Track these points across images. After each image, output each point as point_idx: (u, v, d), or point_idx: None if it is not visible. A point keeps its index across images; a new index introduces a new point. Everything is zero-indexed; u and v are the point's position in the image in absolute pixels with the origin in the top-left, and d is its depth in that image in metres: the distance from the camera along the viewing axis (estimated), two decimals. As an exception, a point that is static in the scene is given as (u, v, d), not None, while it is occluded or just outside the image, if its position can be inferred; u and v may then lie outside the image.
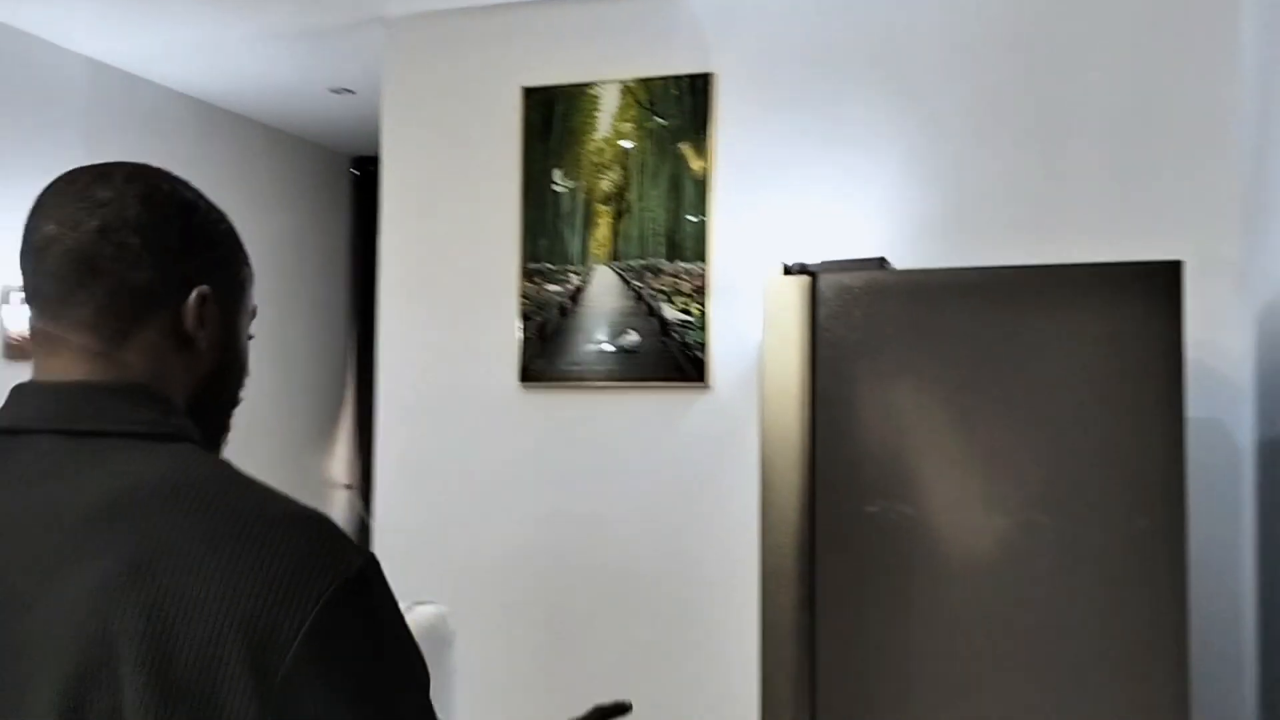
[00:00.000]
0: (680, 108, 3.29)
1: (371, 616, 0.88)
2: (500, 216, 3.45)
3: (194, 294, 0.98)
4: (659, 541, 3.23)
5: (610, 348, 3.30)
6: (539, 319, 3.37)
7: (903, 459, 1.93)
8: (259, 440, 4.53)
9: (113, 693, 0.82)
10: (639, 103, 3.33)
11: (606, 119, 3.36)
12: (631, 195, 3.33)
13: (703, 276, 3.22)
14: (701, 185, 3.24)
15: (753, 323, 3.17)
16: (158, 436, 0.93)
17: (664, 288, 3.27)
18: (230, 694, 0.81)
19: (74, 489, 0.89)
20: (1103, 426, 1.83)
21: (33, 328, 0.98)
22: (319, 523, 0.89)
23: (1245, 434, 2.48)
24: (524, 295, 3.39)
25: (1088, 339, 1.85)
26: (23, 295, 0.98)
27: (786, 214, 3.15)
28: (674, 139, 3.28)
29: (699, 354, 3.21)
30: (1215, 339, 2.57)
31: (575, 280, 3.35)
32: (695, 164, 3.24)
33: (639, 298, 3.28)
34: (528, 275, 3.39)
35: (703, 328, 3.21)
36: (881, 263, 1.98)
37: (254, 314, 1.08)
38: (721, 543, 3.12)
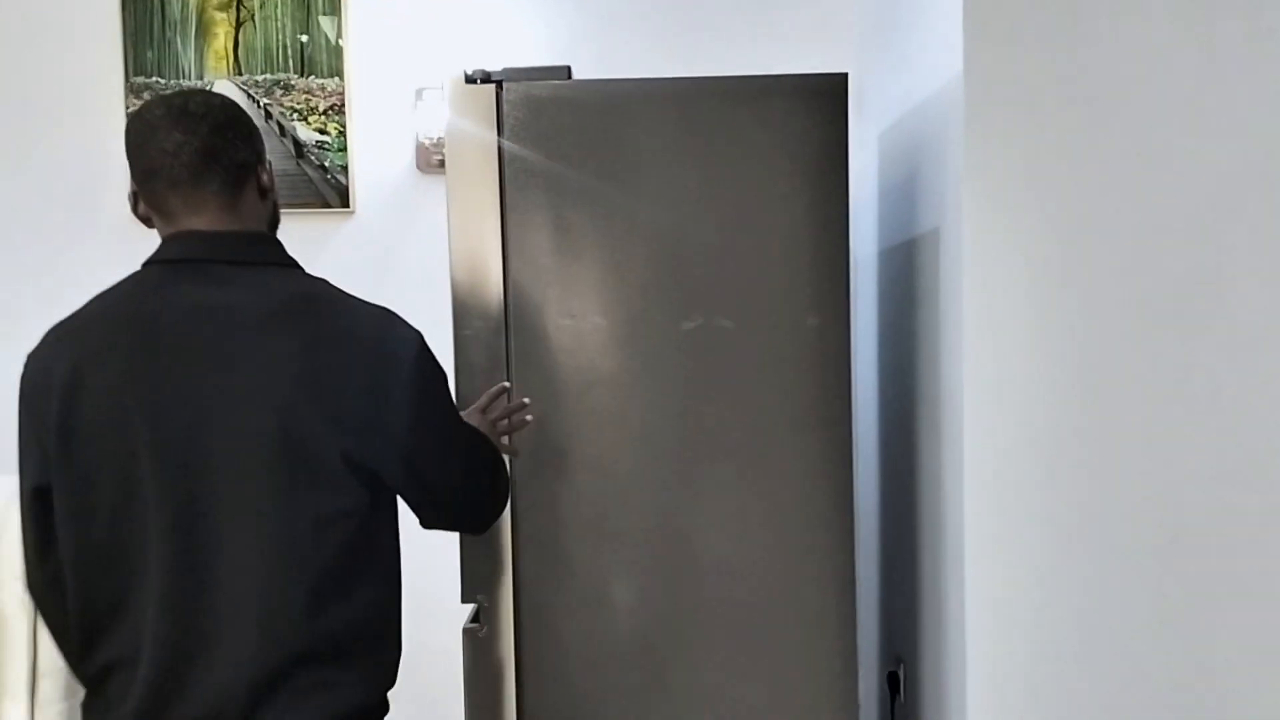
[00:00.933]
0: (303, -95, 3.00)
1: (434, 362, 1.54)
2: (94, 23, 3.02)
3: (268, 161, 1.60)
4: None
5: (238, 171, 3.03)
6: (151, 140, 3.02)
7: (593, 270, 1.94)
8: None
9: (305, 417, 1.42)
10: (255, -104, 3.00)
11: (216, -87, 3.00)
12: (252, 1, 3.02)
13: (341, 93, 3.01)
14: (333, -7, 3.00)
15: (399, 142, 3.03)
16: (284, 264, 1.56)
17: (297, 105, 3.03)
18: (378, 411, 1.46)
19: (247, 296, 1.47)
20: (777, 234, 1.93)
21: (169, 201, 1.50)
22: (395, 313, 1.55)
23: (868, 245, 2.73)
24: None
25: (762, 148, 1.93)
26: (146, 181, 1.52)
27: (427, 26, 3.00)
28: (297, -60, 3.00)
29: (340, 177, 3.03)
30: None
31: (192, 96, 3.02)
32: (321, -30, 2.99)
33: (268, 116, 3.02)
34: (134, 91, 3.01)
35: (343, 149, 3.03)
36: (567, 72, 1.95)
37: None
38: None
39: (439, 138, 2.97)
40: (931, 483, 2.04)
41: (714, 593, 1.97)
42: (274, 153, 3.02)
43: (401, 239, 3.06)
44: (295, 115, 3.02)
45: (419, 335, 1.53)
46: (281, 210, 2.98)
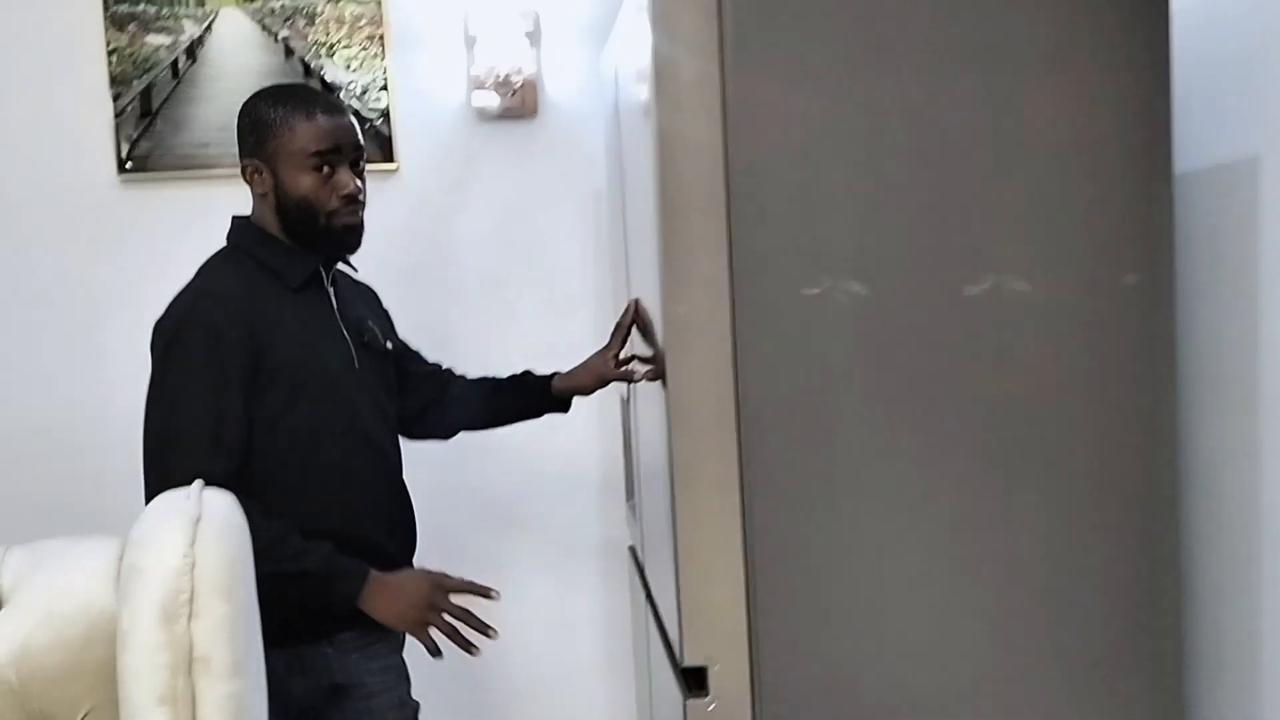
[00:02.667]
0: None
1: (161, 352, 1.70)
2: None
3: (245, 167, 1.80)
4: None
5: (251, 121, 2.46)
6: (140, 84, 2.43)
7: (849, 221, 1.46)
8: None
9: None
10: None
11: None
12: (258, -88, 2.44)
13: (380, 20, 2.46)
14: (363, -102, 2.44)
15: (453, 78, 2.48)
16: (230, 243, 1.83)
17: (323, 38, 2.46)
18: None
19: None
20: (1084, 157, 1.47)
21: None
22: (181, 299, 1.74)
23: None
24: (113, 50, 2.42)
25: (1063, 50, 1.47)
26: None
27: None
28: None
29: (381, 126, 2.48)
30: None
31: (190, 28, 2.44)
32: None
33: (289, 52, 2.46)
34: (116, 22, 2.42)
35: (385, 89, 2.47)
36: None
37: (317, 158, 1.75)
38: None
39: (505, 74, 2.45)
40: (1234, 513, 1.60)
41: (1018, 647, 1.52)
42: (296, 97, 2.45)
43: (455, 200, 2.53)
44: (323, 51, 2.46)
45: (168, 324, 1.70)
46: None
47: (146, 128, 2.43)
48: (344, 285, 1.89)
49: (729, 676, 1.48)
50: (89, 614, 1.08)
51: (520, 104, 2.47)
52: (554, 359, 2.33)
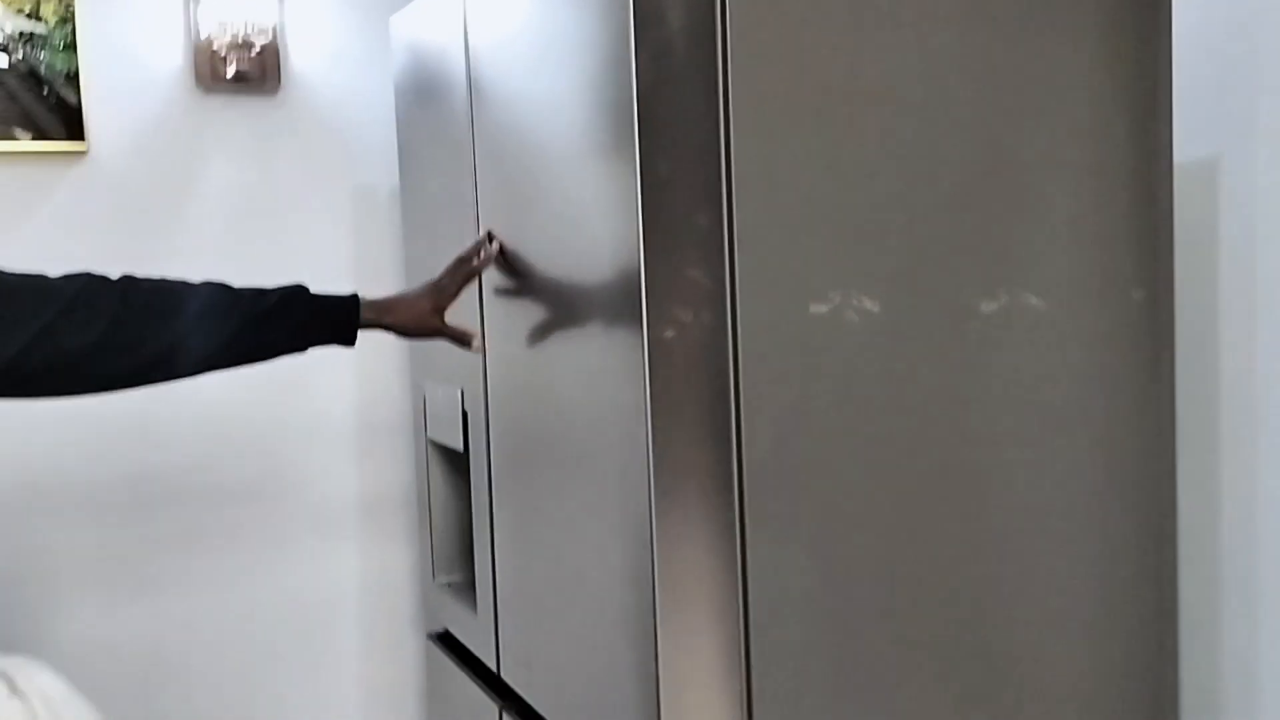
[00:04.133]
0: None
1: None
2: None
3: None
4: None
5: None
6: None
7: (860, 229, 1.16)
8: None
9: None
10: None
11: None
12: None
13: (67, -48, 1.84)
14: None
15: (167, 35, 1.91)
16: None
17: (-19, -32, 1.81)
18: None
19: None
20: (1091, 163, 1.27)
21: None
22: None
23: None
24: None
25: (1071, 66, 1.26)
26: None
27: None
28: None
29: (66, 92, 1.85)
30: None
31: None
32: None
33: (-74, -17, 1.78)
34: None
35: (70, 48, 1.85)
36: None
37: None
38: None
39: (242, 36, 1.92)
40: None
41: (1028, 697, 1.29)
42: (-64, 46, 1.77)
43: (167, 195, 1.96)
44: (-22, -15, 1.80)
45: None
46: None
47: None
48: None
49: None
50: None
51: (258, 73, 1.95)
52: (298, 396, 1.91)
